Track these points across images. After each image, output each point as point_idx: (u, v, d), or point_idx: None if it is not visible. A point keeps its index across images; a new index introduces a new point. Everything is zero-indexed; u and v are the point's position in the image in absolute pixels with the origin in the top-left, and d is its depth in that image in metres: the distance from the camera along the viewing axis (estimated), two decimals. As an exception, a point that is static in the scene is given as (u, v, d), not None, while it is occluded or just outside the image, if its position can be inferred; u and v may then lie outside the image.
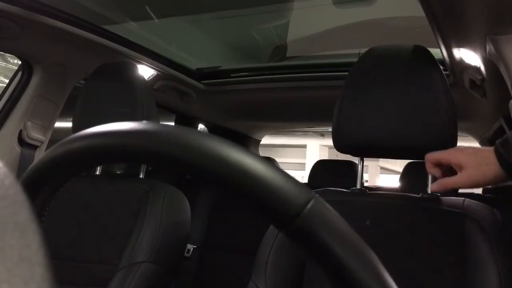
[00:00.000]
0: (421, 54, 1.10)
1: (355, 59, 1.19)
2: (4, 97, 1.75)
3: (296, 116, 2.72)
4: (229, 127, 2.87)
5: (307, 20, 2.26)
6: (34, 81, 1.73)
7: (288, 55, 2.38)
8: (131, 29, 2.03)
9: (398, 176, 2.75)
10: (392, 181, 11.26)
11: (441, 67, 1.09)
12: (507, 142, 0.84)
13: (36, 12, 1.49)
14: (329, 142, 1.22)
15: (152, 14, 1.99)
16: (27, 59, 1.72)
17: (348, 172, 2.57)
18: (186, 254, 2.10)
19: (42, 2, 1.52)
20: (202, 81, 2.28)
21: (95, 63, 1.58)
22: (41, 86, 1.74)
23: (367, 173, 11.34)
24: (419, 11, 1.16)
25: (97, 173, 1.54)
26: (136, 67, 1.54)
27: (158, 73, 2.03)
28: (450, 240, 1.00)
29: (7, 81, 1.81)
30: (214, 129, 2.80)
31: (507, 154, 0.83)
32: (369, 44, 1.19)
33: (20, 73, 1.76)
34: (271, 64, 2.43)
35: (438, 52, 1.41)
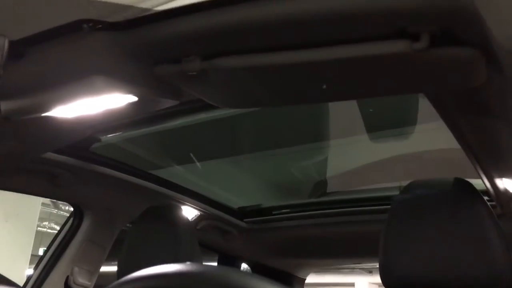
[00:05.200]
0: (463, 187, 1.10)
1: (396, 192, 1.20)
2: (55, 243, 1.81)
3: (341, 252, 2.64)
4: (272, 265, 2.80)
5: (345, 156, 2.32)
6: (84, 226, 1.80)
7: (328, 190, 2.40)
8: (174, 172, 2.13)
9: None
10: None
11: (486, 198, 1.08)
12: None
13: (89, 162, 1.60)
14: (378, 279, 1.18)
15: (195, 159, 2.10)
16: (79, 205, 1.81)
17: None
18: None
19: (95, 152, 1.64)
20: (244, 220, 2.30)
21: (141, 206, 1.63)
22: (91, 230, 1.80)
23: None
24: (456, 143, 1.18)
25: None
26: (181, 208, 1.59)
27: (202, 213, 2.07)
28: None
29: (57, 227, 1.89)
30: (257, 268, 2.73)
31: None
32: (409, 176, 1.20)
33: (71, 219, 1.84)
34: (312, 200, 2.44)
35: (481, 182, 1.39)
